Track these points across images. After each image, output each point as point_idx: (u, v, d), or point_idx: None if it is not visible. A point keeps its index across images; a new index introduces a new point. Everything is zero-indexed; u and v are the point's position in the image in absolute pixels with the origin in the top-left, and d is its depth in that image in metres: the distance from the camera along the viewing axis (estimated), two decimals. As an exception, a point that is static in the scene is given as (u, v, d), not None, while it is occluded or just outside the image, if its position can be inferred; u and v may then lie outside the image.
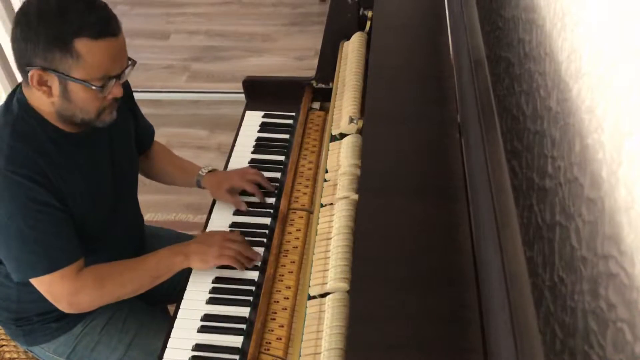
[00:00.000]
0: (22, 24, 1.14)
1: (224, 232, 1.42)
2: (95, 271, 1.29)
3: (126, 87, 1.36)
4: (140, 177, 1.67)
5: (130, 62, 1.24)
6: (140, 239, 1.57)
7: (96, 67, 1.16)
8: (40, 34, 1.12)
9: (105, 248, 1.38)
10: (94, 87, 1.17)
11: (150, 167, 1.64)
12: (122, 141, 1.42)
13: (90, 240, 1.31)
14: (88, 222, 1.31)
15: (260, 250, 1.39)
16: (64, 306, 1.28)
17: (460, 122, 1.13)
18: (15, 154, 1.19)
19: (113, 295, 1.32)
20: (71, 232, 1.26)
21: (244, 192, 1.54)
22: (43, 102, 1.21)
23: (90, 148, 1.32)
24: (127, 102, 1.42)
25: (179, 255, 1.34)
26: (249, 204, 1.52)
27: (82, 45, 1.13)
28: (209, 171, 1.58)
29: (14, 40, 1.16)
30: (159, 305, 1.61)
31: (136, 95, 1.53)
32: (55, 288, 1.25)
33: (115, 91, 1.22)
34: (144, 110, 1.63)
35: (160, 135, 1.72)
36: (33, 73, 1.15)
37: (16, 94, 1.25)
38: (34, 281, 1.25)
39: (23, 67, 1.17)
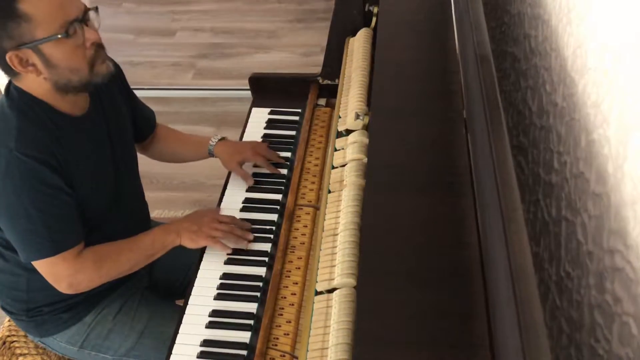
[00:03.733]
0: None
1: (215, 212, 1.45)
2: (94, 252, 1.32)
3: (116, 67, 1.38)
4: (148, 175, 1.68)
5: (90, 7, 1.23)
6: (144, 221, 1.59)
7: (51, 18, 1.16)
8: None
9: (109, 229, 1.40)
10: (60, 36, 1.17)
11: (161, 150, 1.67)
12: (118, 122, 1.44)
13: (94, 221, 1.34)
14: (91, 203, 1.33)
15: (267, 246, 1.40)
16: (63, 287, 1.30)
17: (466, 118, 1.13)
18: (24, 136, 1.21)
19: (110, 274, 1.35)
20: (75, 214, 1.28)
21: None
22: (37, 84, 1.22)
23: (89, 130, 1.34)
24: (118, 83, 1.44)
25: (172, 233, 1.37)
26: (257, 200, 1.53)
27: (24, 4, 1.13)
28: (220, 140, 1.61)
29: None
30: (168, 299, 1.63)
31: (143, 93, 1.54)
32: (57, 269, 1.28)
33: (90, 36, 1.22)
34: (151, 108, 1.64)
35: (167, 133, 1.73)
36: (10, 57, 1.16)
37: (11, 84, 1.26)
38: (36, 263, 1.27)
39: (1, 59, 1.18)
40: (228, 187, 1.58)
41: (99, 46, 1.25)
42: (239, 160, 1.56)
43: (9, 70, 1.20)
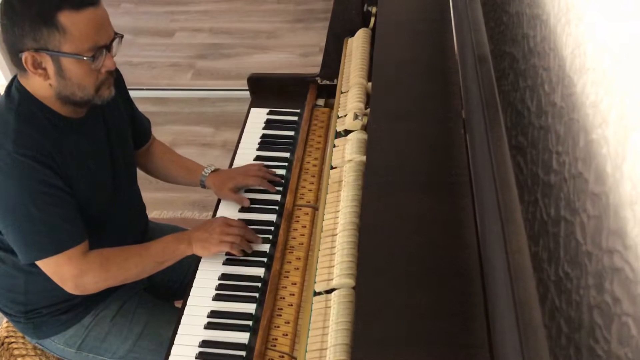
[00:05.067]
0: (7, 11, 1.16)
1: (225, 218, 1.44)
2: (101, 254, 1.31)
3: (116, 71, 1.38)
4: (147, 175, 1.68)
5: (117, 35, 1.25)
6: (142, 223, 1.58)
7: (84, 39, 1.18)
8: (25, 14, 1.14)
9: (107, 231, 1.40)
10: (85, 58, 1.19)
11: (153, 164, 1.66)
12: (118, 123, 1.44)
13: (92, 223, 1.33)
14: (90, 206, 1.33)
15: (266, 246, 1.40)
16: (70, 287, 1.30)
17: (464, 118, 1.13)
18: (22, 137, 1.21)
19: (117, 278, 1.34)
20: (76, 213, 1.28)
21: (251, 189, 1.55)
22: (41, 86, 1.23)
23: (88, 132, 1.34)
24: (118, 88, 1.44)
25: (183, 242, 1.36)
26: (255, 201, 1.52)
27: (65, 17, 1.15)
28: (212, 171, 1.60)
29: (3, 31, 1.18)
30: (167, 300, 1.62)
31: (142, 93, 1.55)
32: (63, 269, 1.27)
33: (108, 63, 1.24)
34: (150, 108, 1.64)
35: (166, 133, 1.74)
36: (26, 56, 1.17)
37: (14, 84, 1.27)
38: (41, 263, 1.27)
39: (16, 54, 1.19)
40: (227, 187, 1.58)
41: (110, 73, 1.27)
42: (231, 187, 1.54)
43: (19, 65, 1.21)
